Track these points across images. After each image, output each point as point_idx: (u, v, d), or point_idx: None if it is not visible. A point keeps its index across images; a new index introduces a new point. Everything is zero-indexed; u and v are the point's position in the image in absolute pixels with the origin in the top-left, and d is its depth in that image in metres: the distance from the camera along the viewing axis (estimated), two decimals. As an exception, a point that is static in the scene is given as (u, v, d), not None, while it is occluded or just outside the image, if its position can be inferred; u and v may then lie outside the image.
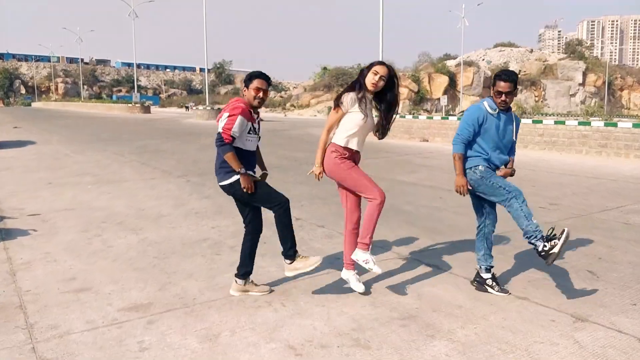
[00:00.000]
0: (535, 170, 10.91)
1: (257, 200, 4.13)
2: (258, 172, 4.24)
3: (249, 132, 4.02)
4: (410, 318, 3.69)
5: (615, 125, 12.95)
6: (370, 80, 3.96)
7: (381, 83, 3.97)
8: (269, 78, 4.13)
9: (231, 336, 3.42)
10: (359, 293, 4.11)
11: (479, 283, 4.29)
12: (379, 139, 4.22)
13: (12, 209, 7.29)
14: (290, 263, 4.12)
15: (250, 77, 4.06)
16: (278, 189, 4.30)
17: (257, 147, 4.26)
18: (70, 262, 4.98)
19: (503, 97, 4.07)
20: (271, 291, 4.21)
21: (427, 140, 17.90)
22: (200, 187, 8.97)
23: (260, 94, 4.02)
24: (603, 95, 73.08)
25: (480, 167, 4.16)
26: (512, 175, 4.27)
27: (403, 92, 54.23)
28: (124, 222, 6.58)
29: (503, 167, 4.23)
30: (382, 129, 4.16)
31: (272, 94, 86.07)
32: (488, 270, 4.27)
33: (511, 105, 4.23)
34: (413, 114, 20.76)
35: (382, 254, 5.24)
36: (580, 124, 13.72)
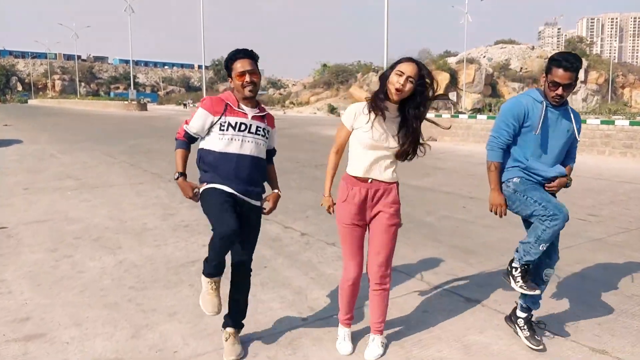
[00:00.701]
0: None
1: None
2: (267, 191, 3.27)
3: (230, 129, 2.99)
4: (460, 385, 2.77)
5: (641, 124, 12.06)
6: (394, 83, 2.84)
7: (409, 87, 2.84)
8: (253, 54, 3.05)
9: (221, 417, 2.50)
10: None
11: (510, 320, 3.41)
12: (401, 160, 3.05)
13: (-25, 221, 6.37)
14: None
15: (228, 61, 3.02)
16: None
17: (269, 160, 3.28)
18: (27, 294, 4.06)
19: (560, 91, 3.04)
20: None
21: (436, 140, 16.95)
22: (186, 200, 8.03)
23: (247, 78, 2.97)
24: (605, 93, 72.49)
25: (514, 179, 3.20)
26: (567, 186, 3.30)
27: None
28: (102, 237, 5.66)
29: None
30: (403, 151, 2.97)
31: (271, 91, 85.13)
32: (524, 309, 3.31)
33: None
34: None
35: (406, 281, 4.33)
36: (603, 122, 12.80)
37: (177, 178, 3.04)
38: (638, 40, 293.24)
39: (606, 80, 72.83)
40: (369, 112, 2.91)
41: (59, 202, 7.51)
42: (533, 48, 79.94)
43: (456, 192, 8.22)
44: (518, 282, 3.19)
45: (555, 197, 3.24)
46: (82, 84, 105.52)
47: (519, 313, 3.32)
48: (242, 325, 3.21)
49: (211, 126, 3.00)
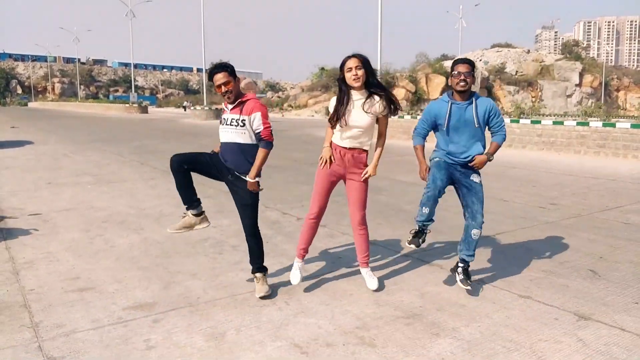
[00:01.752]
0: (535, 170, 10.94)
1: None
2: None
3: (220, 123, 4.11)
4: (414, 317, 3.70)
5: (613, 125, 12.99)
6: (350, 78, 3.89)
7: (361, 72, 3.86)
8: (226, 66, 3.93)
9: (237, 334, 3.43)
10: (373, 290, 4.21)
11: (453, 270, 4.40)
12: (393, 115, 4.14)
13: (12, 209, 7.29)
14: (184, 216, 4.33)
15: (210, 75, 3.99)
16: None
17: (262, 144, 4.10)
18: (72, 262, 4.98)
19: (462, 77, 4.04)
20: (265, 295, 4.08)
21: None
22: (200, 187, 8.81)
23: (223, 89, 3.91)
24: (599, 96, 73.31)
25: (433, 159, 4.36)
26: (489, 160, 4.20)
27: (400, 92, 54.33)
28: (126, 221, 6.59)
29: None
30: (389, 105, 4.02)
31: (269, 94, 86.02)
32: (462, 260, 4.23)
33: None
34: (412, 114, 20.77)
35: (383, 253, 5.26)
36: (578, 124, 13.75)
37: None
38: (634, 43, 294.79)
39: (601, 84, 73.72)
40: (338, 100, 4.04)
41: (82, 194, 8.43)
42: (529, 52, 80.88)
43: (437, 186, 9.15)
44: (459, 276, 4.17)
45: (479, 174, 4.24)
46: (82, 86, 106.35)
47: (459, 264, 4.26)
48: (265, 269, 4.17)
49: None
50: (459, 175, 4.24)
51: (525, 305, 3.91)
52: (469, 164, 4.17)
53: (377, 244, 5.48)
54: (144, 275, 4.59)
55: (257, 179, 4.04)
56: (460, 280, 4.14)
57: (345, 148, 4.05)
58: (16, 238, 5.78)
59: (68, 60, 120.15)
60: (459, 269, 4.22)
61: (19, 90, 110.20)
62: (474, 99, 4.13)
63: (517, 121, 15.30)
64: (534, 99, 68.26)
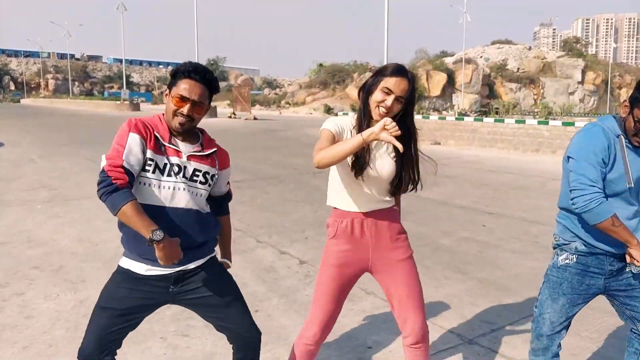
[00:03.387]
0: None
1: None
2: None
3: (156, 171, 2.08)
4: None
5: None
6: (377, 101, 2.12)
7: (397, 108, 2.13)
8: (212, 82, 2.14)
9: None
10: None
11: None
12: (397, 194, 2.34)
13: None
14: None
15: (177, 73, 2.13)
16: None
17: (223, 209, 2.43)
18: (-46, 353, 3.20)
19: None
20: None
21: (440, 143, 16.15)
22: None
23: (185, 109, 2.06)
24: (602, 93, 72.21)
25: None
26: None
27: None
28: (64, 267, 4.80)
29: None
30: (398, 180, 2.25)
31: (266, 91, 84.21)
32: None
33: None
34: (422, 113, 19.02)
35: (433, 334, 3.48)
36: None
37: (158, 242, 1.91)
38: (633, 40, 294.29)
39: (603, 81, 72.46)
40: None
41: (25, 219, 6.64)
42: (530, 48, 79.52)
43: (472, 207, 7.39)
44: None
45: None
46: (76, 83, 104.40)
47: None
48: None
49: (146, 163, 2.06)
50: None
51: None
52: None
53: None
54: (52, 390, 2.81)
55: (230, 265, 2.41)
56: None
57: (366, 214, 2.26)
58: None
59: (62, 56, 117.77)
60: None
61: (12, 87, 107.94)
62: None
63: (546, 123, 13.52)
64: (535, 97, 66.95)
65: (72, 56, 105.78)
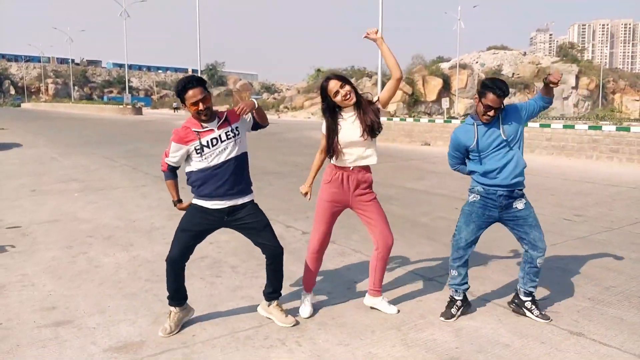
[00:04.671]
0: (550, 177, 10.37)
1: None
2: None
3: (205, 149, 3.37)
4: (452, 362, 3.10)
5: (627, 129, 12.44)
6: (341, 100, 3.51)
7: (348, 88, 3.50)
8: (198, 81, 3.33)
9: (241, 388, 2.82)
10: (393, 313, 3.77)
11: (517, 305, 3.80)
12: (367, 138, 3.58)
13: (-11, 221, 6.65)
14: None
15: (180, 91, 3.30)
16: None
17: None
18: (50, 287, 4.36)
19: (492, 113, 3.47)
20: (296, 324, 3.61)
21: (429, 144, 17.34)
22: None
23: (200, 107, 3.28)
24: (596, 98, 73.18)
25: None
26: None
27: (397, 94, 53.81)
28: (113, 236, 5.96)
29: None
30: (370, 129, 3.54)
31: (265, 95, 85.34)
32: (527, 294, 3.75)
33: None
34: (414, 117, 20.20)
35: (403, 274, 4.66)
36: (590, 128, 13.19)
37: (175, 205, 3.55)
38: (629, 46, 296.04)
39: (597, 86, 73.56)
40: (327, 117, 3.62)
41: (66, 204, 7.79)
42: (525, 54, 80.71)
43: (450, 195, 8.56)
44: (534, 312, 3.71)
45: (523, 197, 3.68)
46: (76, 87, 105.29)
47: (524, 298, 3.75)
48: (280, 296, 3.72)
49: (188, 154, 3.41)
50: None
51: (579, 346, 3.32)
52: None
53: (393, 266, 4.88)
54: (130, 304, 3.97)
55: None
56: (538, 316, 3.67)
57: (348, 169, 3.57)
58: (-11, 257, 5.15)
59: (62, 61, 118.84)
60: (528, 304, 3.73)
61: (12, 91, 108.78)
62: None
63: (525, 124, 14.71)
64: (530, 102, 68.01)
65: (72, 61, 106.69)
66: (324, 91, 3.52)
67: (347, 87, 3.49)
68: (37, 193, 8.65)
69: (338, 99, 3.50)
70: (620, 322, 3.66)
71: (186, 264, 3.51)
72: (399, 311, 3.80)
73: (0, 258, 5.13)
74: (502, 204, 3.59)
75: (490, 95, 3.41)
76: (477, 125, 3.59)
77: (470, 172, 3.75)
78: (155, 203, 7.78)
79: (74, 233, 6.09)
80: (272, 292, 3.64)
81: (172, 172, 3.53)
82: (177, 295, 3.53)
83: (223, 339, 3.41)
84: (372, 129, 3.53)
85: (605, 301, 4.05)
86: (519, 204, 3.62)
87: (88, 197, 8.33)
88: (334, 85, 3.50)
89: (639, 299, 4.09)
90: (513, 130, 3.56)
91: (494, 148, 3.56)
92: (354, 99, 3.52)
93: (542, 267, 3.73)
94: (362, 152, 3.58)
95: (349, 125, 3.55)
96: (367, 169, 3.64)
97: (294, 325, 3.56)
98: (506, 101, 3.57)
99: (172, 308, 3.52)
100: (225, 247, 5.45)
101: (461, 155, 3.77)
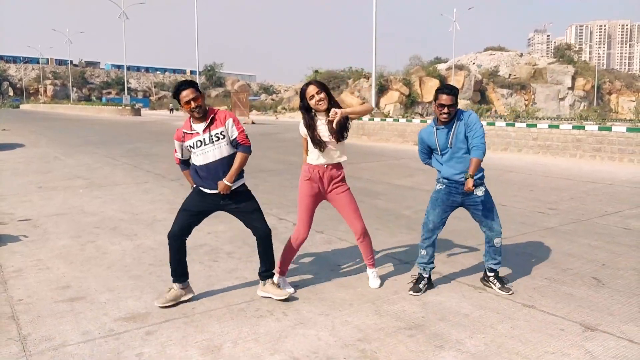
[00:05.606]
0: (532, 174, 10.87)
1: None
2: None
3: (195, 149, 3.92)
4: (416, 328, 3.59)
5: (609, 129, 12.95)
6: (314, 104, 4.01)
7: (323, 94, 4.00)
8: (193, 83, 3.90)
9: (233, 347, 3.30)
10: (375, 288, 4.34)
11: (484, 280, 4.41)
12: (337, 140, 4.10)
13: (1, 214, 7.12)
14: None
15: (175, 92, 3.87)
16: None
17: (241, 148, 4.00)
18: (63, 270, 4.84)
19: (446, 110, 4.00)
20: (294, 292, 4.18)
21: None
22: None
23: (192, 105, 3.82)
24: (592, 99, 73.71)
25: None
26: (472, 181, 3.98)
27: (394, 95, 54.37)
28: (118, 227, 6.44)
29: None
30: (338, 131, 4.05)
31: (263, 96, 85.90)
32: (490, 270, 4.35)
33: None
34: (407, 117, 20.70)
35: (382, 257, 5.15)
36: (574, 128, 13.71)
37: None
38: (626, 47, 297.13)
39: (593, 87, 74.13)
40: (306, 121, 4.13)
41: (73, 199, 8.27)
42: (522, 55, 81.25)
43: (434, 190, 9.04)
44: (496, 284, 4.30)
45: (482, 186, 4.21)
46: (74, 89, 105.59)
47: (488, 274, 4.35)
48: (273, 275, 4.21)
49: (187, 149, 3.99)
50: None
51: (529, 315, 3.81)
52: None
53: (375, 251, 5.36)
54: (136, 284, 4.45)
55: (230, 185, 3.94)
56: (500, 289, 4.24)
57: (323, 166, 4.12)
58: (5, 245, 5.62)
59: (60, 62, 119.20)
60: (491, 279, 4.31)
61: (11, 92, 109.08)
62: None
63: (513, 125, 15.24)
64: (527, 102, 68.55)
65: (71, 62, 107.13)
66: (302, 93, 4.05)
67: (322, 95, 4.00)
68: (44, 189, 9.13)
69: (312, 102, 4.02)
70: (570, 297, 4.16)
71: (187, 249, 4.02)
72: (381, 286, 4.36)
73: (15, 246, 5.60)
74: (463, 191, 4.09)
75: (442, 96, 3.98)
76: (436, 130, 4.13)
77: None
78: (157, 198, 8.26)
79: (82, 224, 6.57)
80: (265, 270, 4.13)
81: (184, 163, 4.14)
82: (178, 269, 4.03)
83: (219, 310, 3.90)
84: (340, 133, 4.06)
85: (560, 280, 4.55)
86: (479, 192, 4.14)
87: (93, 192, 8.81)
88: (312, 89, 4.02)
89: (590, 279, 4.59)
90: (460, 140, 4.09)
91: (449, 151, 4.14)
92: (326, 106, 4.01)
93: (508, 251, 4.30)
94: (334, 153, 4.13)
95: (321, 127, 4.09)
96: (338, 166, 4.19)
97: (291, 296, 4.08)
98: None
99: (174, 284, 4.02)
100: (222, 236, 5.94)
101: (428, 152, 4.29)
